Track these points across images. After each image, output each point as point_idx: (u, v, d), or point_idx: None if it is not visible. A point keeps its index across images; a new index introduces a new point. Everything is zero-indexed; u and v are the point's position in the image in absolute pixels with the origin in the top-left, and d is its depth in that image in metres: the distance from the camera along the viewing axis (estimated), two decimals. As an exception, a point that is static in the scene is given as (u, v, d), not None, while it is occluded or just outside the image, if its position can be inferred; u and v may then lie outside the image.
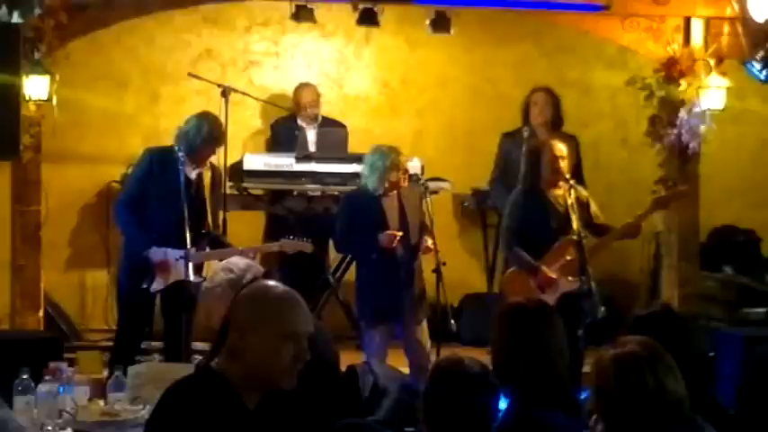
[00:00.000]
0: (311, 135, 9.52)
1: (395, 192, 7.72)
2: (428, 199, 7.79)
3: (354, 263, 8.23)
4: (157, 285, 7.52)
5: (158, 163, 7.63)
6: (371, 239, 7.57)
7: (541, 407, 4.09)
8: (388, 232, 7.58)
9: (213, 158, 7.84)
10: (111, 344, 8.21)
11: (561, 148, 7.68)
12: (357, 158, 8.33)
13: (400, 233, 7.60)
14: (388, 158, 7.66)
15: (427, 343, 7.71)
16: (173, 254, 7.42)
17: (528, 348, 4.19)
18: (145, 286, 7.50)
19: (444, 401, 3.80)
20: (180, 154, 7.47)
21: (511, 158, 9.05)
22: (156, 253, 7.46)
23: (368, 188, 7.73)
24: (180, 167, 7.43)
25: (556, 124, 9.02)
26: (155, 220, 7.50)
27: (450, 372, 3.86)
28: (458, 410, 3.78)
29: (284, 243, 7.70)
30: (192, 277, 7.25)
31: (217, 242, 7.72)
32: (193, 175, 7.63)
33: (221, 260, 5.81)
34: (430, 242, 7.63)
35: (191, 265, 7.28)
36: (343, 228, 7.79)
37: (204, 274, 7.35)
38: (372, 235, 7.58)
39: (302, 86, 9.82)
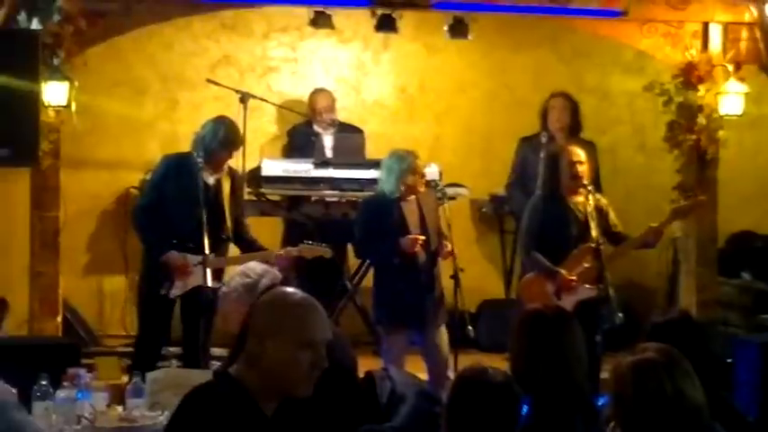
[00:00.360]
0: (328, 141, 9.51)
1: (413, 197, 7.70)
2: (445, 205, 7.79)
3: (372, 268, 8.23)
4: (176, 291, 7.54)
5: (175, 168, 7.66)
6: (393, 244, 7.55)
7: (560, 413, 4.09)
8: (410, 237, 7.54)
9: (232, 163, 7.85)
10: (129, 350, 8.24)
11: (579, 153, 7.64)
12: (375, 164, 8.31)
13: (422, 237, 7.58)
14: (405, 162, 7.64)
15: (446, 348, 7.68)
16: (192, 259, 7.44)
17: (546, 355, 4.18)
18: (164, 292, 7.53)
19: (468, 411, 3.78)
20: (198, 159, 7.50)
21: (527, 163, 9.04)
22: (176, 258, 7.48)
23: (385, 192, 7.71)
24: (198, 173, 7.46)
25: (574, 130, 9.00)
26: (173, 225, 7.52)
27: (474, 382, 3.84)
28: (482, 420, 3.76)
29: (303, 248, 7.67)
30: (210, 283, 7.27)
31: (251, 246, 7.73)
32: (212, 180, 7.64)
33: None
34: (450, 246, 7.62)
35: (209, 270, 7.30)
36: (363, 233, 7.76)
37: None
38: (393, 240, 7.56)
39: (317, 92, 9.81)
